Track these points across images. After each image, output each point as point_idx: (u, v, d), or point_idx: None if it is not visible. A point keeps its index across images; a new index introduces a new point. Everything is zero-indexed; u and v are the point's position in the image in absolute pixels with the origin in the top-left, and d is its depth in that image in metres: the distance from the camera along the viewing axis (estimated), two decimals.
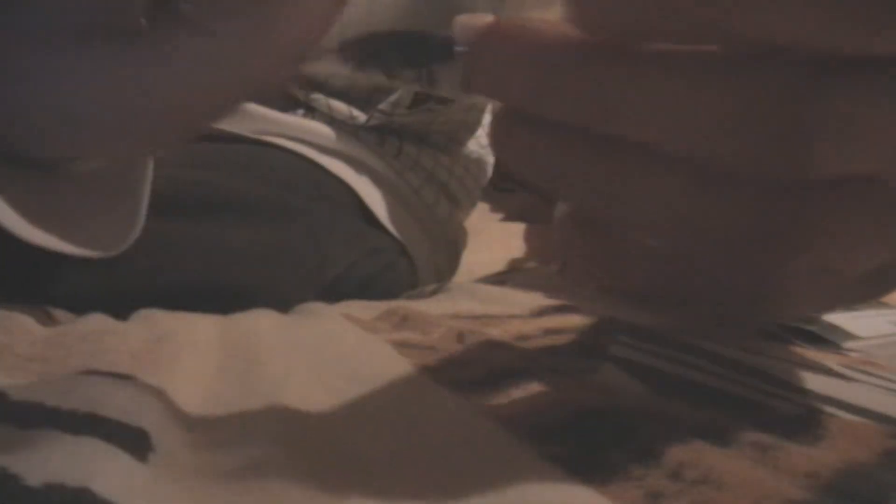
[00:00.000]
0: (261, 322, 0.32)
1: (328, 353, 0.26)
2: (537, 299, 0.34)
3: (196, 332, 0.30)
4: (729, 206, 0.18)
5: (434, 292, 0.43)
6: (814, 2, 0.15)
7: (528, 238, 0.79)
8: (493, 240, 0.78)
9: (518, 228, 0.83)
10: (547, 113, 0.19)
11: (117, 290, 0.38)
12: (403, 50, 0.23)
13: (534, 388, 0.21)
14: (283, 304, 0.38)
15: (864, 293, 0.21)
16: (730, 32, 0.16)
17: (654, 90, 0.17)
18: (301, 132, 0.52)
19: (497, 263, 0.69)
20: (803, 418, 0.19)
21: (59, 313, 0.34)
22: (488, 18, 0.20)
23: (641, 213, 0.19)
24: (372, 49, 0.24)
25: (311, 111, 0.53)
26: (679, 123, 0.17)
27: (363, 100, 0.53)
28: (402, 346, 0.26)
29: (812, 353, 0.25)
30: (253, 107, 0.52)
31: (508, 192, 0.96)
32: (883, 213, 0.18)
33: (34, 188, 0.33)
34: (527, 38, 0.19)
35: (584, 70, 0.18)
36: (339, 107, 0.53)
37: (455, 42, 0.21)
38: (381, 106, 0.53)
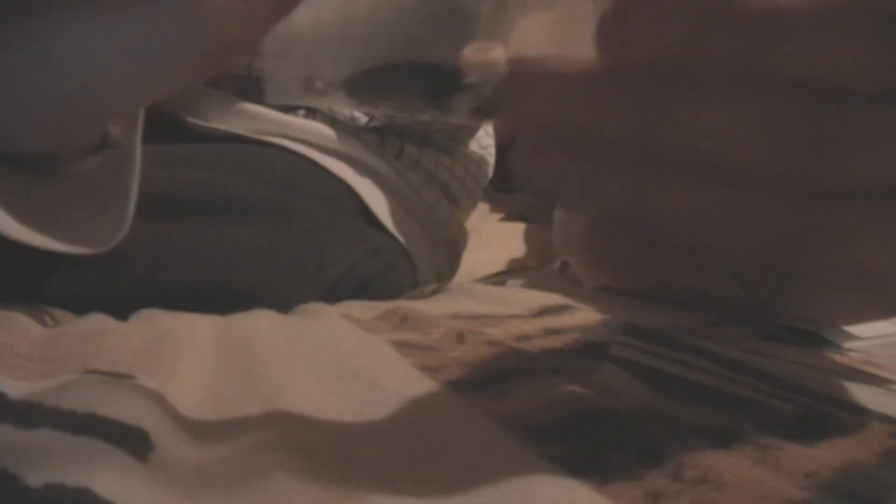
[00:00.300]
0: (260, 322, 0.32)
1: (328, 353, 0.26)
2: (537, 299, 0.34)
3: (196, 332, 0.30)
4: (764, 211, 0.19)
5: (434, 292, 0.43)
6: (841, 43, 0.17)
7: (529, 238, 0.79)
8: (493, 240, 0.78)
9: (518, 228, 0.83)
10: (589, 135, 0.20)
11: (117, 290, 0.38)
12: (413, 82, 0.23)
13: (534, 388, 0.21)
14: (284, 304, 0.37)
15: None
16: (765, 64, 0.18)
17: (698, 110, 0.19)
18: (302, 132, 0.52)
19: (497, 263, 0.69)
20: (803, 418, 0.19)
21: (60, 313, 0.34)
22: (499, 49, 0.21)
23: (678, 217, 0.20)
24: (379, 83, 0.24)
25: (312, 112, 0.53)
26: (719, 139, 0.19)
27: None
28: (402, 346, 0.26)
29: (812, 353, 0.25)
30: (253, 107, 0.52)
31: (508, 192, 0.96)
32: None
33: (22, 186, 0.33)
34: (561, 67, 0.20)
35: (632, 93, 0.19)
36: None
37: (466, 73, 0.22)
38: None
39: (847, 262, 0.19)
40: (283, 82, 0.25)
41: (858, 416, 0.19)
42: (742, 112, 0.18)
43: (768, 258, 0.20)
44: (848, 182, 0.18)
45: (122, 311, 0.33)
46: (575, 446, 0.17)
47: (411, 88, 0.24)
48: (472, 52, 0.22)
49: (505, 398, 0.20)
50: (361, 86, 0.24)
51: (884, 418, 0.19)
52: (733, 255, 0.20)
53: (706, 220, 0.19)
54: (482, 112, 0.23)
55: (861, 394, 0.21)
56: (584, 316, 0.30)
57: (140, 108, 0.35)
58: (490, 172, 0.64)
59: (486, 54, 0.22)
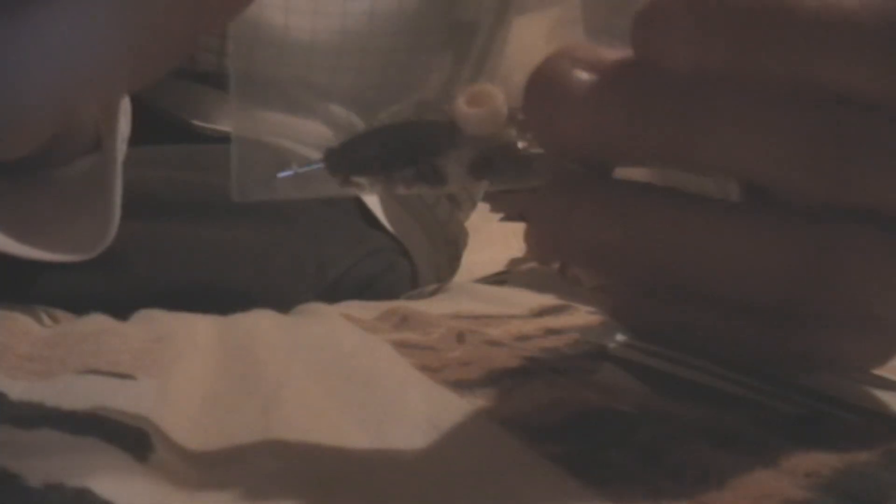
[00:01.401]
0: (261, 322, 0.32)
1: (328, 353, 0.26)
2: (537, 299, 0.34)
3: (196, 332, 0.30)
4: (783, 241, 0.18)
5: (434, 292, 0.43)
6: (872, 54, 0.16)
7: (528, 238, 0.78)
8: (493, 240, 0.78)
9: (518, 228, 0.83)
10: (622, 157, 0.19)
11: (117, 290, 0.38)
12: (400, 146, 0.20)
13: (534, 388, 0.21)
14: (283, 304, 0.38)
15: None
16: (797, 75, 0.17)
17: (732, 121, 0.18)
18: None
19: (497, 263, 0.69)
20: (803, 418, 0.19)
21: (60, 313, 0.34)
22: (499, 95, 0.19)
23: (710, 265, 0.19)
24: (363, 152, 0.21)
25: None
26: (754, 154, 0.18)
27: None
28: (402, 346, 0.26)
29: None
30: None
31: (508, 191, 0.96)
32: None
33: (6, 195, 0.33)
34: (592, 69, 0.18)
35: (673, 100, 0.18)
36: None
37: (458, 127, 0.20)
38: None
39: (855, 304, 0.19)
40: (252, 174, 0.23)
41: (858, 416, 0.19)
42: (777, 126, 0.18)
43: (787, 298, 0.19)
44: (862, 202, 0.18)
45: (122, 311, 0.33)
46: (575, 446, 0.17)
47: (399, 153, 0.21)
48: (468, 105, 0.19)
49: (505, 398, 0.20)
50: (342, 157, 0.21)
51: (884, 418, 0.19)
52: (754, 296, 0.19)
53: (730, 258, 0.19)
54: (483, 169, 0.21)
55: (861, 394, 0.21)
56: (584, 316, 0.30)
57: (73, 116, 0.32)
58: None
59: (487, 104, 0.19)
